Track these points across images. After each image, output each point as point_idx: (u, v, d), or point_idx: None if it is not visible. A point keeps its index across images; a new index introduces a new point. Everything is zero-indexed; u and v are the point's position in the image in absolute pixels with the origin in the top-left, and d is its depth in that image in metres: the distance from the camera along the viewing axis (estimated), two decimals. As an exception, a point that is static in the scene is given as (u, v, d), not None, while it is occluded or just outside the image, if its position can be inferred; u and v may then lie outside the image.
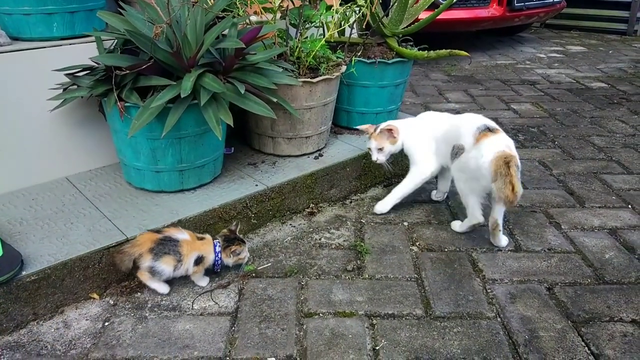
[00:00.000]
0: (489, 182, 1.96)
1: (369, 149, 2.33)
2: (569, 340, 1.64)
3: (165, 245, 1.77)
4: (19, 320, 1.68)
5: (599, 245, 2.15)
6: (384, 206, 2.38)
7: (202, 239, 1.87)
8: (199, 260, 1.83)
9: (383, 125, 2.30)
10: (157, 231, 1.82)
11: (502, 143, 1.98)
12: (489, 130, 2.03)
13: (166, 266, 1.77)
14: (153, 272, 1.77)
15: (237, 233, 1.93)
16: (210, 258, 1.86)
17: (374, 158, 2.31)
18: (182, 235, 1.82)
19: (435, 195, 2.53)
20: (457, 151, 2.11)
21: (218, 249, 1.86)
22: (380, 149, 2.29)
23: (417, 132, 2.33)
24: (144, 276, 1.79)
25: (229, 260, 1.88)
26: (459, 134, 2.11)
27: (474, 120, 2.10)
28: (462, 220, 2.25)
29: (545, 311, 1.77)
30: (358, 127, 2.45)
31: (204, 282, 1.89)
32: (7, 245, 1.74)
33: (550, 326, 1.70)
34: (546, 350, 1.60)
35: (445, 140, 2.22)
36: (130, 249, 1.76)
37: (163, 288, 1.83)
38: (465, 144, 2.07)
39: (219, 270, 1.91)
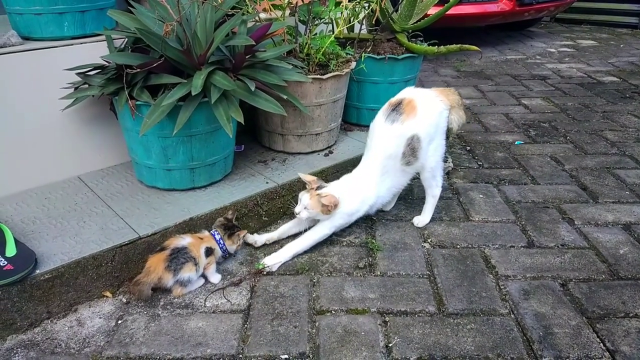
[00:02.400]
0: (447, 121, 2.11)
1: (299, 198, 2.00)
2: (584, 337, 1.63)
3: (178, 257, 1.77)
4: (33, 319, 1.69)
5: (613, 241, 2.13)
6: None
7: (202, 238, 1.89)
8: (209, 252, 1.86)
9: (325, 190, 1.98)
10: (162, 249, 1.80)
11: (421, 91, 2.11)
12: (399, 104, 2.04)
13: (190, 273, 1.79)
14: (183, 284, 1.80)
15: (234, 221, 1.98)
16: (217, 249, 1.91)
17: (296, 210, 1.98)
18: (185, 240, 1.83)
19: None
20: (412, 147, 2.02)
21: (218, 237, 1.92)
22: (307, 209, 1.97)
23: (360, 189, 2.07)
24: (178, 292, 1.81)
25: (233, 247, 1.95)
26: (392, 140, 2.03)
27: (380, 124, 2.06)
28: (419, 214, 2.29)
29: (560, 307, 1.76)
30: (301, 175, 2.07)
31: (216, 278, 1.89)
32: (21, 244, 1.75)
33: (564, 322, 1.69)
34: (561, 346, 1.59)
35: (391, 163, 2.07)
36: (145, 277, 1.74)
37: (200, 282, 1.88)
38: (413, 130, 2.01)
39: (227, 255, 1.97)
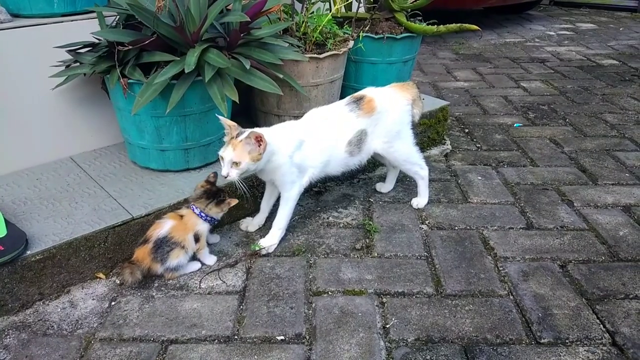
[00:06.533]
0: (411, 115, 2.11)
1: (221, 157, 1.74)
2: (584, 318, 1.61)
3: (162, 247, 1.72)
4: (25, 300, 1.66)
5: (613, 223, 2.11)
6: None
7: (182, 215, 1.80)
8: (196, 237, 1.80)
9: (247, 133, 1.72)
10: (145, 241, 1.73)
11: (383, 91, 2.09)
12: (360, 98, 2.01)
13: (178, 259, 1.75)
14: (175, 269, 1.76)
15: (216, 184, 1.85)
16: (202, 227, 1.80)
17: (223, 173, 1.73)
18: (166, 225, 1.74)
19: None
20: (360, 138, 1.99)
21: (197, 211, 1.79)
22: (236, 164, 1.71)
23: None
24: (169, 275, 1.77)
25: (220, 214, 1.84)
26: (344, 123, 1.98)
27: (333, 111, 2.01)
28: (416, 196, 2.26)
29: (559, 289, 1.74)
30: (221, 118, 1.78)
31: (211, 260, 1.87)
32: (12, 224, 1.72)
33: (564, 304, 1.67)
34: (560, 327, 1.57)
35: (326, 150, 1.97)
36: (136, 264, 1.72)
37: (196, 266, 1.84)
38: (363, 126, 1.99)
39: (216, 222, 1.86)
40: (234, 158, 1.70)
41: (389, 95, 2.07)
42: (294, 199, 1.95)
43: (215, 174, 1.86)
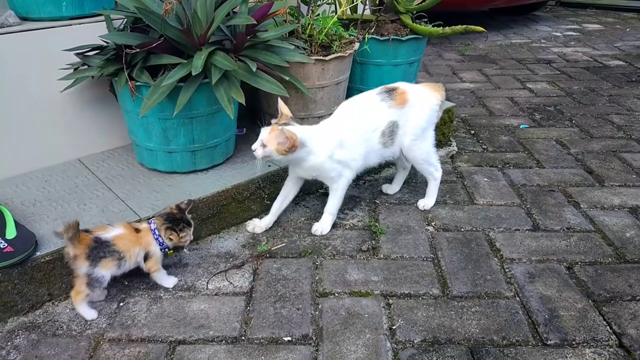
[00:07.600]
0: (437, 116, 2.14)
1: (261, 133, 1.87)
2: (590, 320, 1.61)
3: (98, 249, 1.57)
4: (34, 301, 1.68)
5: (620, 224, 2.10)
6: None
7: (138, 230, 1.67)
8: (146, 257, 1.68)
9: (290, 128, 1.83)
10: (87, 231, 1.59)
11: (416, 87, 2.12)
12: (392, 89, 2.04)
13: (108, 270, 1.59)
14: (95, 281, 1.58)
15: (186, 213, 1.72)
16: (156, 249, 1.68)
17: (253, 147, 1.84)
18: (113, 231, 1.62)
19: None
20: (392, 129, 2.03)
21: (153, 226, 1.67)
22: (265, 146, 1.82)
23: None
24: (86, 287, 1.58)
25: (169, 243, 1.68)
26: (371, 121, 2.01)
27: (365, 100, 2.05)
28: (422, 198, 2.28)
29: (565, 290, 1.74)
30: (280, 103, 1.94)
31: (169, 282, 1.77)
32: (21, 226, 1.74)
33: (570, 305, 1.67)
34: (567, 329, 1.57)
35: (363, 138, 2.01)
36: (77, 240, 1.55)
37: (92, 314, 1.64)
38: (395, 117, 2.02)
39: (166, 252, 1.71)
40: (264, 140, 1.83)
41: (421, 91, 2.10)
42: (343, 188, 2.04)
43: (190, 202, 1.74)
